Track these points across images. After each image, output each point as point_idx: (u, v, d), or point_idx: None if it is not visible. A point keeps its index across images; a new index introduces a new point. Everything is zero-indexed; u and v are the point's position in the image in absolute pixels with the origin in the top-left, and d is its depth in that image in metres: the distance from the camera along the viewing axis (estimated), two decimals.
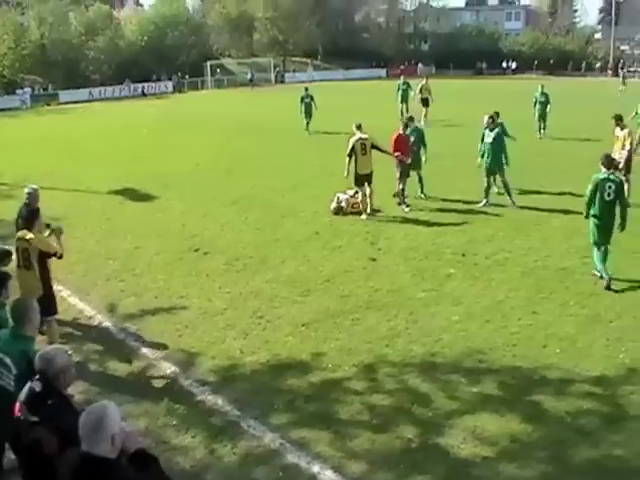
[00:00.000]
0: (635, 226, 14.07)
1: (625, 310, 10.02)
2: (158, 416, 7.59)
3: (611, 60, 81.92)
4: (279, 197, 18.02)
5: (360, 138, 15.68)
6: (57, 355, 4.78)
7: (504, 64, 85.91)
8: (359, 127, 16.06)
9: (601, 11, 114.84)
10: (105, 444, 3.91)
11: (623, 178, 15.42)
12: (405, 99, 33.29)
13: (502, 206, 15.94)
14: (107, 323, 10.33)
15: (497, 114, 17.33)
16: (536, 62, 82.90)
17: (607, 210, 11.12)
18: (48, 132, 36.25)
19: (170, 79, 69.32)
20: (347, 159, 15.62)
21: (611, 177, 11.13)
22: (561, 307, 10.26)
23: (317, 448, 6.91)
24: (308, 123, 30.80)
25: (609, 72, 79.74)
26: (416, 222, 15.13)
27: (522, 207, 15.79)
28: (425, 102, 32.30)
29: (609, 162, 11.33)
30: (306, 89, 31.39)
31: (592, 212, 11.21)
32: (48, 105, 55.96)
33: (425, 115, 31.83)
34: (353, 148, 15.57)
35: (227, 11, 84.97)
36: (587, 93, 51.52)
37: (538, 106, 27.32)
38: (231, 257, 13.13)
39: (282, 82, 76.20)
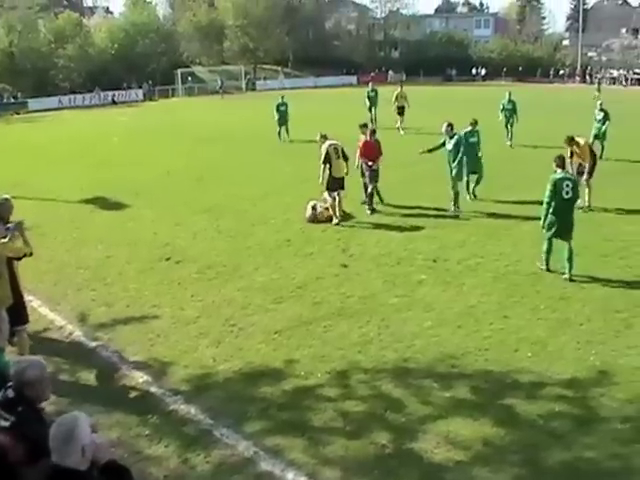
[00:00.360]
0: (604, 230, 14.34)
1: (595, 313, 10.14)
2: (130, 426, 7.53)
3: (579, 67, 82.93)
4: (251, 205, 17.98)
5: (332, 144, 15.87)
6: (29, 367, 4.75)
7: (473, 71, 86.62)
8: (325, 137, 16.33)
9: (568, 18, 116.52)
10: (75, 455, 3.90)
11: (584, 183, 15.88)
12: (374, 106, 32.75)
13: (473, 212, 16.07)
14: (78, 333, 10.22)
15: (475, 122, 17.41)
16: (505, 69, 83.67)
17: (566, 208, 11.72)
18: (17, 141, 35.91)
19: (141, 87, 68.96)
20: (322, 166, 15.69)
21: (567, 176, 11.95)
22: (532, 311, 10.35)
23: (291, 455, 6.89)
24: (286, 131, 30.29)
25: (577, 78, 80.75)
26: (388, 228, 15.18)
27: (493, 213, 15.91)
28: (401, 110, 31.66)
29: (562, 162, 12.06)
30: (282, 97, 30.68)
31: (551, 210, 11.71)
32: (17, 114, 55.42)
33: (401, 123, 31.45)
34: (328, 154, 15.63)
35: (197, 19, 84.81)
36: (558, 99, 52.06)
37: (505, 113, 26.89)
38: (203, 265, 13.08)
39: (253, 90, 76.12)
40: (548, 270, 11.96)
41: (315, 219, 15.96)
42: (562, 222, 11.69)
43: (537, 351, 9.01)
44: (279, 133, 30.20)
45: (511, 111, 26.60)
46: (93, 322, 10.59)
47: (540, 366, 8.59)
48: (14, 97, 61.92)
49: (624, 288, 11.15)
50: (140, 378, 8.69)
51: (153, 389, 8.41)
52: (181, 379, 8.62)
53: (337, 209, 15.75)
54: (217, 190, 20.07)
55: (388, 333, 9.73)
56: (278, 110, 30.17)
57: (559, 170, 11.85)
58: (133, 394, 8.38)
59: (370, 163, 16.51)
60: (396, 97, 31.62)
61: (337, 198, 15.74)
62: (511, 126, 26.71)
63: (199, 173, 22.90)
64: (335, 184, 15.71)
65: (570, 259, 11.65)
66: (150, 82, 69.66)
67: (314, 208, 16.07)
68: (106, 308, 11.15)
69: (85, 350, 9.68)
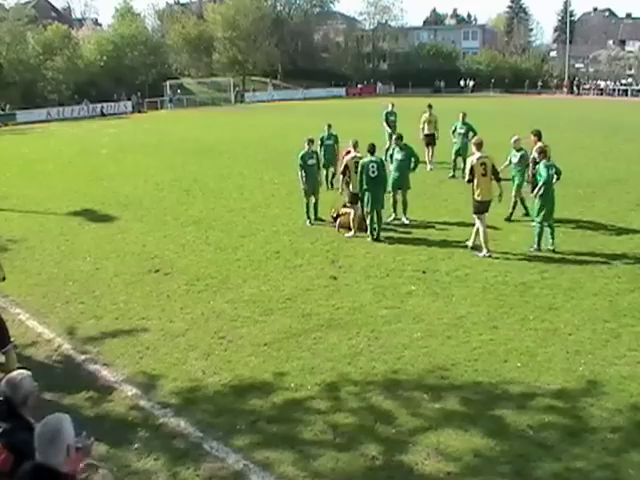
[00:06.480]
0: (592, 241, 14.42)
1: (583, 323, 10.17)
2: (119, 440, 7.47)
3: (566, 78, 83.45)
4: (239, 217, 17.97)
5: (355, 157, 15.62)
6: (23, 380, 4.80)
7: (462, 83, 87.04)
8: (355, 145, 16.00)
9: (556, 30, 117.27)
10: (60, 454, 4.02)
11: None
12: (393, 128, 25.12)
13: (460, 223, 16.09)
14: (66, 346, 10.16)
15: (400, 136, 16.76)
16: (493, 80, 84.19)
17: (374, 183, 14.77)
18: (5, 153, 35.75)
19: (129, 99, 68.89)
20: (340, 177, 15.66)
21: (373, 159, 14.87)
22: (521, 321, 10.37)
23: (281, 468, 6.87)
24: (333, 175, 20.76)
25: (564, 90, 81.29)
26: (376, 240, 15.16)
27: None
28: (431, 140, 24.14)
29: (373, 148, 15.09)
30: (329, 126, 20.73)
31: (365, 187, 14.80)
32: (5, 125, 55.20)
33: (431, 156, 24.31)
34: (347, 167, 15.57)
35: (186, 31, 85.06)
36: (544, 111, 52.27)
37: (457, 139, 22.05)
38: (192, 277, 13.05)
39: (242, 102, 76.24)
40: (377, 240, 14.98)
41: (338, 219, 16.26)
42: (373, 195, 14.77)
43: (526, 361, 9.03)
44: (326, 177, 20.83)
45: (464, 137, 21.70)
46: (82, 335, 10.53)
47: (529, 376, 8.60)
48: (2, 109, 61.73)
49: (612, 298, 11.20)
50: (129, 391, 8.65)
51: (142, 402, 8.37)
52: (170, 392, 8.58)
53: (354, 222, 15.79)
54: (206, 202, 20.06)
55: (378, 344, 9.72)
56: (323, 145, 20.46)
57: (369, 155, 14.91)
58: (122, 407, 8.32)
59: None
60: (423, 123, 24.14)
61: (358, 211, 15.73)
62: (463, 155, 20.86)
63: (188, 185, 22.87)
64: (356, 198, 15.59)
65: (380, 224, 15.14)
66: (139, 94, 69.61)
67: (339, 215, 16.29)
68: (95, 321, 11.10)
69: (73, 363, 9.62)
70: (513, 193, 16.39)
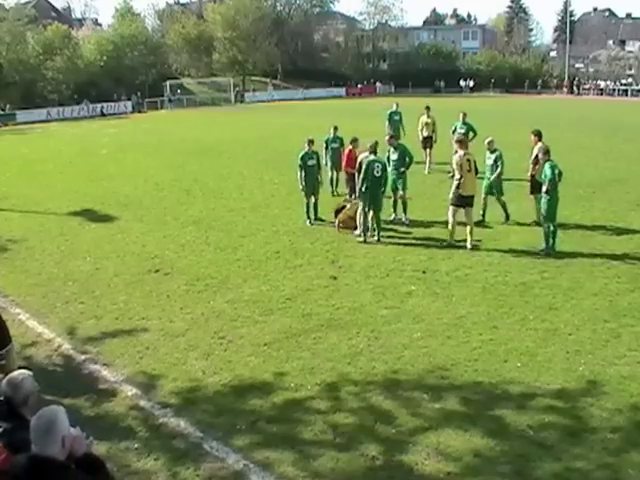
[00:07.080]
0: (592, 241, 14.42)
1: (583, 323, 10.17)
2: (119, 440, 7.47)
3: (566, 78, 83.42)
4: (239, 217, 17.97)
5: (367, 156, 15.46)
6: (24, 380, 4.82)
7: (462, 83, 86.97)
8: (373, 146, 15.66)
9: (556, 30, 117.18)
10: (56, 445, 4.02)
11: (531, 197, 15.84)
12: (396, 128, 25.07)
13: (461, 223, 16.07)
14: (67, 346, 10.17)
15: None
16: (493, 80, 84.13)
17: (376, 183, 14.86)
18: (5, 153, 35.74)
19: (129, 99, 68.86)
20: (356, 174, 15.72)
21: (377, 159, 15.03)
22: (521, 322, 10.37)
23: (281, 468, 6.87)
24: (336, 180, 20.46)
25: (564, 90, 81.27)
26: (376, 240, 15.17)
27: (480, 223, 15.88)
28: (428, 142, 23.72)
29: (374, 149, 15.16)
30: (335, 129, 20.52)
31: (366, 185, 14.79)
32: (5, 125, 55.20)
33: (429, 158, 23.75)
34: (360, 165, 15.52)
35: (186, 31, 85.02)
36: (544, 111, 52.23)
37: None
38: (192, 277, 13.05)
39: (242, 102, 76.19)
40: (377, 240, 15.00)
41: (339, 213, 16.31)
42: (373, 194, 14.84)
43: (526, 361, 9.03)
44: (331, 180, 20.45)
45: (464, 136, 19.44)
46: (82, 335, 10.54)
47: (529, 376, 8.61)
48: (2, 109, 61.69)
49: (612, 298, 11.20)
50: (129, 391, 8.65)
51: (142, 402, 8.37)
52: (170, 392, 8.58)
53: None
54: (206, 202, 20.05)
55: (378, 344, 9.72)
56: (328, 148, 20.34)
57: (372, 155, 14.98)
58: (122, 407, 8.32)
59: (354, 173, 16.53)
60: (421, 126, 23.85)
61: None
62: None
63: (188, 186, 22.87)
64: None
65: (379, 224, 15.16)
66: (139, 94, 69.57)
67: (339, 211, 16.35)
68: (95, 321, 11.10)
69: (74, 363, 9.63)
70: (489, 196, 16.40)
